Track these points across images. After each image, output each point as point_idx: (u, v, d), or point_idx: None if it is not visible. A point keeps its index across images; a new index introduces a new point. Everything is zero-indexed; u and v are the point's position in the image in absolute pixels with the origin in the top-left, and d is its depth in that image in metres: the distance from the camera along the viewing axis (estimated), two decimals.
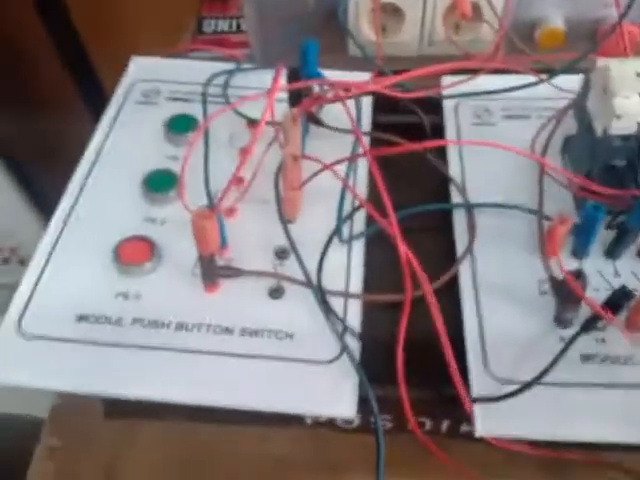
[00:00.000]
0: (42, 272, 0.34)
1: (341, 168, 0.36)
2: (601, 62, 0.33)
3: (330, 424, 0.34)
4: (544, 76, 0.39)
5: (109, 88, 0.45)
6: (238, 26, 0.64)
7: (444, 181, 0.39)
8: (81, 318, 0.32)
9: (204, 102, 0.42)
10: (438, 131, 0.42)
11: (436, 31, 0.50)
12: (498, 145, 0.34)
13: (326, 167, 0.30)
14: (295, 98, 0.36)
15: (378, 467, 0.30)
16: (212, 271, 0.31)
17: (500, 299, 0.33)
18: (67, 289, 0.33)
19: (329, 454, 0.34)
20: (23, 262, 1.18)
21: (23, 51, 0.93)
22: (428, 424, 0.33)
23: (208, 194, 0.36)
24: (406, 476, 0.33)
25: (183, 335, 0.31)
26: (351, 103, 0.43)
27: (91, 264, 0.34)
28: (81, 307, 0.32)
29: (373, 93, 0.35)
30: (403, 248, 0.27)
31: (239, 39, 0.62)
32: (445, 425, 0.33)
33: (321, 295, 0.32)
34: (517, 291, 0.33)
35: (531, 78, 0.42)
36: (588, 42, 0.50)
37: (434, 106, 0.44)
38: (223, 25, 0.64)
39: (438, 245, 0.36)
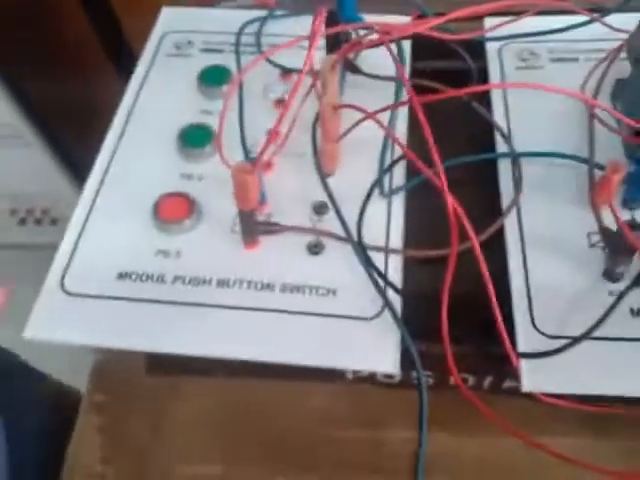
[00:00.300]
0: (81, 231, 0.34)
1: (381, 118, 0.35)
2: None
3: (371, 379, 0.34)
4: (595, 15, 0.36)
5: (136, 45, 0.44)
6: None
7: (488, 130, 0.37)
8: (122, 276, 0.32)
9: (237, 52, 0.41)
10: (481, 77, 0.40)
11: None
12: (546, 87, 0.32)
13: (369, 116, 0.29)
14: (333, 44, 0.35)
15: (421, 422, 0.30)
16: (252, 227, 0.31)
17: (547, 252, 0.32)
18: (107, 247, 0.33)
19: (370, 409, 0.35)
20: (55, 222, 1.21)
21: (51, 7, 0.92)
22: (471, 380, 0.33)
23: (244, 148, 0.36)
24: (448, 431, 0.33)
25: (224, 291, 0.31)
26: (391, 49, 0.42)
27: (130, 222, 0.34)
28: (122, 265, 0.32)
29: (415, 36, 0.33)
30: (450, 200, 0.26)
31: None
32: (488, 381, 0.32)
33: (362, 251, 0.31)
34: (565, 244, 0.32)
35: (579, 18, 0.39)
36: None
37: (476, 50, 0.41)
38: None
39: (482, 197, 0.35)
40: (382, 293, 0.30)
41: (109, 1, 0.91)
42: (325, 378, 0.35)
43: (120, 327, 0.31)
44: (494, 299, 0.27)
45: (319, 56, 0.40)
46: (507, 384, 0.32)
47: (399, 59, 0.33)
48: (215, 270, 0.32)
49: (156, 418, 0.36)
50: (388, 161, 0.35)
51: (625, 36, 0.38)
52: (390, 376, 0.33)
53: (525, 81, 0.39)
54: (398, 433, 0.34)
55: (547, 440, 0.29)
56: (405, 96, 0.31)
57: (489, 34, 0.39)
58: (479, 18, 0.41)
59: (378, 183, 0.33)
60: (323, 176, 0.33)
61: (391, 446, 0.33)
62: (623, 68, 0.37)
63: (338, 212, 0.32)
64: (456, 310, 0.29)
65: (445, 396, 0.31)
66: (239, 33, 0.42)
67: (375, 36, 0.33)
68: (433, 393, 0.30)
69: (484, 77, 0.40)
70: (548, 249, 0.32)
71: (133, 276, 0.32)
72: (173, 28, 0.44)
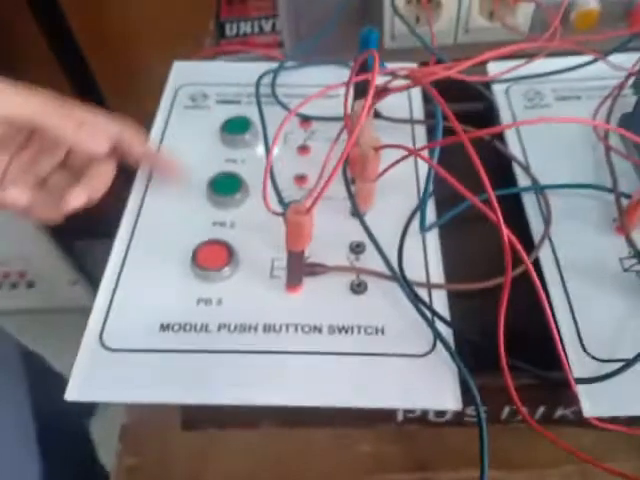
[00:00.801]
0: (116, 286, 0.33)
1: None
2: None
3: (421, 420, 0.33)
4: (600, 55, 0.39)
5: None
6: (260, 28, 0.63)
7: (504, 166, 0.39)
8: (164, 327, 0.31)
9: (259, 103, 0.41)
10: (488, 118, 0.42)
11: (472, 19, 0.50)
12: (565, 119, 0.33)
13: (413, 153, 0.29)
14: (361, 90, 0.36)
15: (482, 458, 0.29)
16: (300, 268, 0.31)
17: (585, 280, 0.32)
18: (145, 300, 0.32)
19: (419, 450, 0.34)
20: (32, 285, 1.17)
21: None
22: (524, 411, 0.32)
23: (278, 194, 0.36)
24: (499, 466, 0.33)
25: (272, 337, 0.31)
26: (403, 95, 0.43)
27: (166, 273, 0.33)
28: (163, 317, 0.32)
29: (442, 80, 0.35)
30: (505, 231, 0.26)
31: (263, 40, 0.62)
32: (540, 411, 0.32)
33: (408, 286, 0.31)
34: (600, 270, 0.33)
35: (579, 59, 0.42)
36: (620, 22, 0.50)
37: (481, 93, 0.43)
38: (245, 27, 0.63)
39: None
40: (433, 328, 0.30)
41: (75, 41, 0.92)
42: (373, 422, 0.34)
43: (167, 380, 0.30)
44: (553, 325, 0.27)
45: (332, 104, 0.41)
46: (559, 413, 0.32)
47: (408, 106, 0.34)
48: (260, 316, 0.32)
49: (192, 476, 0.34)
50: (416, 199, 0.36)
51: (622, 74, 0.40)
52: (442, 414, 0.33)
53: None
54: (449, 474, 0.33)
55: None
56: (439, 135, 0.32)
57: (506, 76, 0.40)
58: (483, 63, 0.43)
59: (420, 217, 0.34)
60: (360, 215, 0.33)
61: None
62: (626, 103, 0.40)
63: (380, 249, 0.32)
64: (505, 342, 0.29)
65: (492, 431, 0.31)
66: (257, 84, 0.43)
67: (398, 82, 0.35)
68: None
69: (491, 118, 0.42)
70: (585, 276, 0.33)
71: (176, 327, 0.31)
72: (187, 81, 0.44)
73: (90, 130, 0.33)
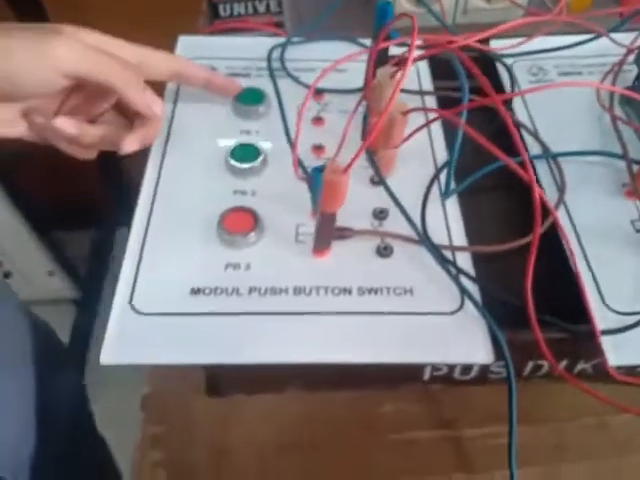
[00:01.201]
0: (141, 253, 0.33)
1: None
2: None
3: (445, 378, 0.34)
4: (603, 31, 0.40)
5: None
6: (254, 8, 0.63)
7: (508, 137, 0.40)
8: (195, 292, 0.31)
9: (272, 75, 0.42)
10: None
11: (470, 1, 0.52)
12: (580, 83, 0.34)
13: (445, 115, 0.30)
14: (381, 59, 0.36)
15: (510, 413, 0.30)
16: (331, 231, 0.31)
17: (601, 240, 0.34)
18: (172, 266, 0.32)
19: (445, 409, 0.35)
20: (8, 276, 1.14)
21: None
22: (546, 365, 0.34)
23: (300, 162, 0.36)
24: (522, 421, 0.34)
25: (303, 299, 0.31)
26: (412, 68, 0.44)
27: (192, 239, 0.33)
28: (193, 281, 0.31)
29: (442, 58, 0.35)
30: (537, 190, 0.27)
31: (258, 21, 0.61)
32: (562, 365, 0.33)
33: (435, 248, 0.32)
34: (614, 232, 0.34)
35: (581, 37, 0.43)
36: (613, 3, 0.53)
37: (485, 67, 0.44)
38: (239, 8, 0.63)
39: (517, 200, 0.36)
40: (460, 285, 0.31)
41: None
42: (398, 382, 0.35)
43: (201, 342, 0.29)
44: (582, 280, 0.29)
45: (341, 77, 0.42)
46: (581, 366, 0.33)
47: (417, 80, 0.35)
48: (289, 279, 0.32)
49: (218, 442, 0.34)
50: (436, 165, 0.37)
51: (622, 51, 0.42)
52: (467, 372, 0.33)
53: (539, 93, 0.42)
54: (474, 430, 0.34)
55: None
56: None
57: (511, 51, 0.42)
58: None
59: (445, 181, 0.34)
60: (384, 181, 0.34)
61: (471, 442, 0.33)
62: (627, 78, 0.42)
63: (405, 212, 0.33)
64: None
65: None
66: (269, 57, 0.43)
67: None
68: (501, 385, 0.30)
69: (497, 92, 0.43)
70: (601, 237, 0.34)
71: (207, 291, 0.31)
72: (194, 55, 0.44)
73: (152, 97, 0.35)
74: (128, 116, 0.38)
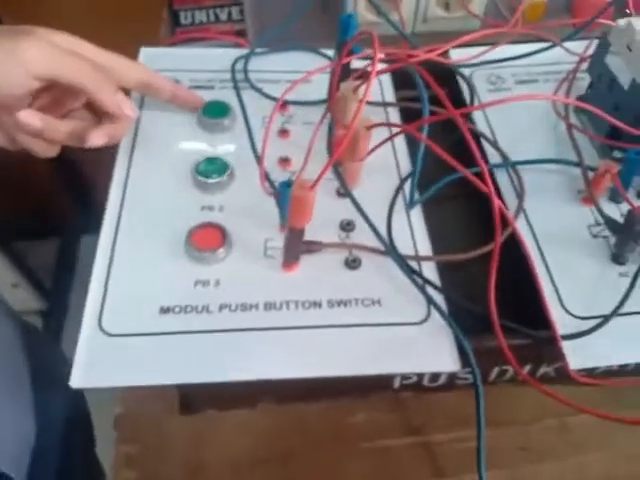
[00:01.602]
0: (109, 271, 0.32)
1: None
2: (622, 21, 0.36)
3: (415, 385, 0.35)
4: (557, 41, 0.42)
5: None
6: (216, 16, 0.63)
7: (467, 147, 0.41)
8: (165, 310, 0.31)
9: (236, 88, 0.42)
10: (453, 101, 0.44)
11: (430, 9, 0.53)
12: (536, 97, 0.35)
13: (407, 130, 0.31)
14: (344, 74, 0.37)
15: (479, 418, 0.31)
16: (299, 246, 0.31)
17: (560, 246, 0.35)
18: (141, 285, 0.32)
19: (413, 416, 0.36)
20: None
21: None
22: (511, 370, 0.35)
23: (267, 176, 0.36)
24: (487, 425, 0.35)
25: (273, 314, 0.31)
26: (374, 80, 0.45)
27: (159, 256, 0.33)
28: (162, 300, 0.31)
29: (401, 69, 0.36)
30: (497, 202, 0.28)
31: (220, 29, 0.61)
32: (526, 370, 0.35)
33: (401, 259, 0.33)
34: (572, 238, 0.35)
35: (536, 46, 0.45)
36: (564, 13, 0.54)
37: (445, 78, 0.46)
38: (200, 16, 0.63)
39: (476, 207, 0.37)
40: (426, 295, 0.32)
41: None
42: (369, 392, 0.35)
43: (172, 362, 0.29)
44: (541, 287, 0.30)
45: (305, 89, 0.42)
46: (543, 370, 0.35)
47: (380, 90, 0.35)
48: (259, 294, 0.32)
49: (195, 461, 0.34)
50: (399, 176, 0.38)
51: (575, 59, 0.44)
52: (436, 379, 0.34)
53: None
54: (442, 435, 0.35)
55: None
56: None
57: (471, 61, 0.43)
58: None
59: (409, 193, 0.35)
60: (350, 194, 0.34)
61: (441, 447, 0.34)
62: (580, 87, 0.43)
63: (371, 224, 0.34)
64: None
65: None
66: (233, 69, 0.43)
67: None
68: (468, 391, 0.31)
69: (456, 101, 0.44)
70: (559, 244, 0.35)
71: (176, 309, 0.31)
72: (157, 67, 0.43)
73: (123, 98, 0.35)
74: (97, 113, 0.37)
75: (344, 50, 0.33)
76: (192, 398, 0.34)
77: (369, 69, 0.36)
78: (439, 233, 0.36)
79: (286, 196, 0.31)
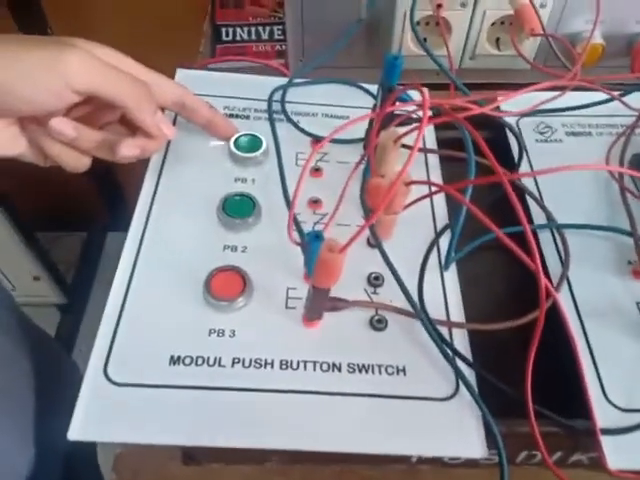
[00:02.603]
0: (120, 313, 0.31)
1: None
2: None
3: (433, 460, 0.32)
4: (616, 94, 0.39)
5: None
6: (257, 34, 0.61)
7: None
8: (175, 361, 0.29)
9: (272, 123, 0.40)
10: (499, 147, 0.42)
11: (480, 45, 0.50)
12: (582, 167, 0.33)
13: (449, 191, 0.28)
14: (387, 119, 0.35)
15: None
16: (323, 305, 0.29)
17: (604, 324, 0.32)
18: (153, 329, 0.30)
19: None
20: None
21: None
22: (539, 455, 0.32)
23: (296, 223, 0.34)
24: None
25: (289, 374, 0.29)
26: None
27: (176, 299, 0.31)
28: (173, 347, 0.30)
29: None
30: (543, 278, 0.26)
31: (261, 49, 0.60)
32: (557, 455, 0.32)
33: (432, 326, 0.30)
34: (618, 315, 0.33)
35: (592, 96, 0.42)
36: (624, 56, 0.51)
37: (488, 122, 0.43)
38: (242, 33, 0.61)
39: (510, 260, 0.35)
40: (457, 370, 0.29)
41: None
42: (384, 462, 0.33)
43: (178, 420, 0.28)
44: (583, 373, 0.27)
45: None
46: (574, 458, 0.32)
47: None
48: (276, 350, 0.30)
49: None
50: (437, 229, 0.36)
51: (632, 111, 0.41)
52: (458, 457, 0.32)
53: (546, 154, 0.41)
54: None
55: None
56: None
57: (522, 109, 0.40)
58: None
59: (446, 254, 0.33)
60: (382, 248, 0.32)
61: None
62: (637, 142, 0.40)
63: (402, 285, 0.31)
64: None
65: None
66: (269, 103, 0.41)
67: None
68: (495, 470, 0.28)
69: (502, 148, 0.42)
70: (603, 320, 0.32)
71: (187, 360, 0.29)
72: (192, 90, 0.42)
73: (164, 119, 0.35)
74: (131, 127, 0.36)
75: (388, 100, 0.30)
76: (196, 449, 0.32)
77: (413, 118, 0.34)
78: (472, 289, 0.34)
79: (313, 248, 0.29)
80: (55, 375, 0.48)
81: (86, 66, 0.31)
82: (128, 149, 0.33)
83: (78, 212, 1.29)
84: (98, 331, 0.30)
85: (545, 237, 0.36)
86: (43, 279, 1.14)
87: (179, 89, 0.38)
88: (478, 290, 0.36)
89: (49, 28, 0.84)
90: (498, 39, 0.50)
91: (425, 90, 0.28)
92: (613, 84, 0.40)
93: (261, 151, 0.38)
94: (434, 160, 0.40)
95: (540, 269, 0.26)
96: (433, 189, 0.32)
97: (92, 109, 0.35)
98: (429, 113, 0.33)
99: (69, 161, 0.34)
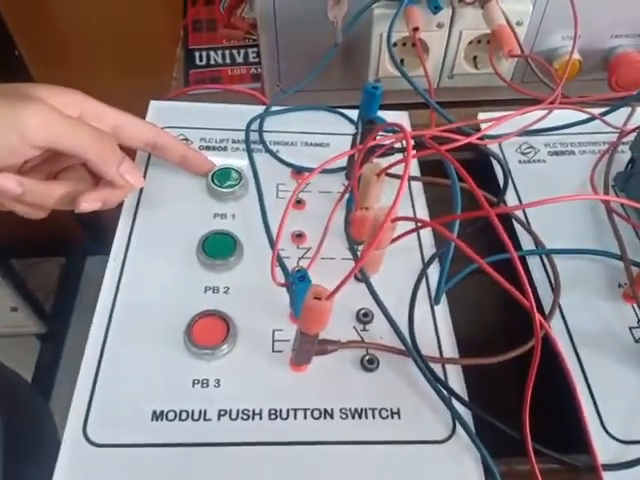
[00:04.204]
0: (98, 367, 0.29)
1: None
2: None
3: None
4: (597, 114, 0.39)
5: None
6: (232, 58, 0.60)
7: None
8: (158, 416, 0.28)
9: (250, 156, 0.39)
10: (482, 168, 0.41)
11: (457, 64, 0.50)
12: (568, 198, 0.32)
13: (435, 226, 0.27)
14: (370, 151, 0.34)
15: None
16: (311, 349, 0.28)
17: (598, 352, 0.32)
18: (133, 383, 0.29)
19: None
20: None
21: None
22: None
23: (279, 260, 0.33)
24: None
25: (279, 424, 0.28)
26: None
27: (156, 349, 0.30)
28: (155, 402, 0.28)
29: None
30: (537, 315, 0.25)
31: (236, 72, 0.59)
32: None
33: (426, 366, 0.29)
34: (612, 341, 0.32)
35: (573, 115, 0.41)
36: (601, 71, 0.51)
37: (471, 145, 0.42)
38: (216, 57, 0.60)
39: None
40: (453, 411, 0.28)
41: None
42: None
43: None
44: (581, 402, 0.26)
45: (322, 154, 0.39)
46: None
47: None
48: (264, 399, 0.29)
49: None
50: (424, 259, 0.35)
51: (612, 130, 0.40)
52: None
53: (530, 175, 0.40)
54: None
55: None
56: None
57: (502, 132, 0.39)
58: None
59: (436, 290, 0.32)
60: (370, 285, 0.31)
61: None
62: (620, 160, 0.40)
63: (393, 323, 0.30)
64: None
65: None
66: (247, 134, 0.40)
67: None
68: None
69: (484, 168, 0.41)
70: (597, 348, 0.32)
71: (170, 415, 0.28)
72: (166, 123, 0.41)
73: (130, 169, 0.33)
74: (94, 175, 0.34)
75: (370, 135, 0.30)
76: None
77: (396, 148, 0.33)
78: (459, 312, 0.33)
79: (299, 291, 0.28)
80: (30, 433, 0.46)
81: (44, 120, 0.29)
82: (88, 204, 0.32)
83: (55, 236, 1.26)
84: (75, 390, 0.28)
85: (534, 261, 0.35)
86: (21, 309, 1.11)
87: (150, 130, 0.36)
88: (466, 315, 0.35)
89: (16, 50, 0.83)
90: (475, 57, 0.50)
91: (407, 132, 0.27)
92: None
93: (240, 185, 0.37)
94: (418, 185, 0.39)
95: (534, 306, 0.25)
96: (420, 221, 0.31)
97: (53, 153, 0.33)
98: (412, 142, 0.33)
99: (23, 213, 0.33)
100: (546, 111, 0.37)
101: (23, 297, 1.10)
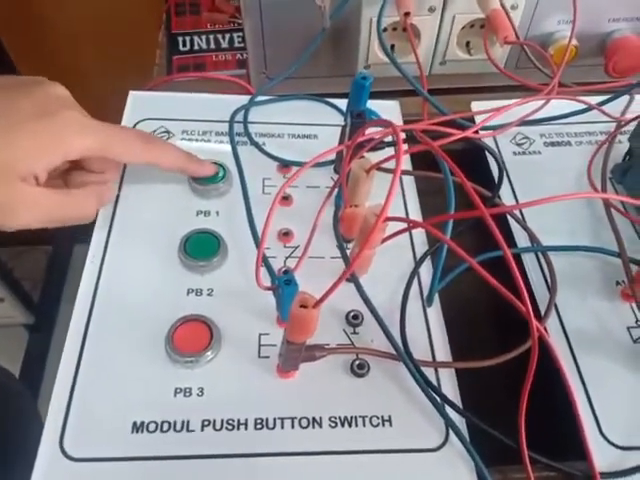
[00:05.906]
0: (75, 377, 0.28)
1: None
2: None
3: None
4: (594, 104, 0.37)
5: None
6: (217, 43, 0.58)
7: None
8: (138, 427, 0.26)
9: (234, 149, 0.37)
10: (475, 160, 0.40)
11: (450, 50, 0.48)
12: (565, 197, 0.31)
13: (428, 228, 0.26)
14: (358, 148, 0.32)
15: None
16: (299, 356, 0.27)
17: (595, 353, 0.31)
18: (112, 393, 0.27)
19: None
20: None
21: None
22: None
23: (265, 261, 0.32)
24: None
25: (265, 435, 0.27)
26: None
27: (136, 357, 0.29)
28: (135, 412, 0.27)
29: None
30: (534, 322, 0.24)
31: (220, 58, 0.56)
32: None
33: (418, 371, 0.28)
34: (609, 342, 0.31)
35: (570, 106, 0.40)
36: (598, 56, 0.49)
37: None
38: (200, 42, 0.58)
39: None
40: (446, 418, 0.27)
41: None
42: None
43: None
44: (580, 418, 0.25)
45: (308, 147, 0.38)
46: None
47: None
48: (249, 408, 0.28)
49: None
50: (416, 256, 0.33)
51: (608, 119, 0.39)
52: None
53: (525, 168, 0.39)
54: None
55: None
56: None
57: (497, 122, 0.38)
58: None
59: (429, 291, 0.31)
60: (360, 287, 0.30)
61: None
62: (618, 151, 0.38)
63: (384, 327, 0.29)
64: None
65: None
66: (230, 126, 0.38)
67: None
68: None
69: (476, 159, 0.39)
70: (594, 349, 0.31)
71: (151, 426, 0.27)
72: (146, 115, 0.39)
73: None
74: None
75: (359, 130, 0.28)
76: None
77: (386, 142, 0.32)
78: (451, 311, 0.32)
79: (285, 295, 0.27)
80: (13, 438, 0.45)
81: (83, 136, 0.29)
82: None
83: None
84: (51, 401, 0.27)
85: (529, 258, 0.34)
86: (8, 300, 1.09)
87: (150, 150, 0.33)
88: (459, 314, 0.33)
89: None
90: (468, 43, 0.48)
91: (399, 133, 0.25)
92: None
93: (224, 180, 0.35)
94: (409, 179, 0.38)
95: (531, 311, 0.24)
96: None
97: None
98: (403, 135, 0.31)
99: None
100: (543, 101, 0.35)
101: (9, 287, 1.08)
